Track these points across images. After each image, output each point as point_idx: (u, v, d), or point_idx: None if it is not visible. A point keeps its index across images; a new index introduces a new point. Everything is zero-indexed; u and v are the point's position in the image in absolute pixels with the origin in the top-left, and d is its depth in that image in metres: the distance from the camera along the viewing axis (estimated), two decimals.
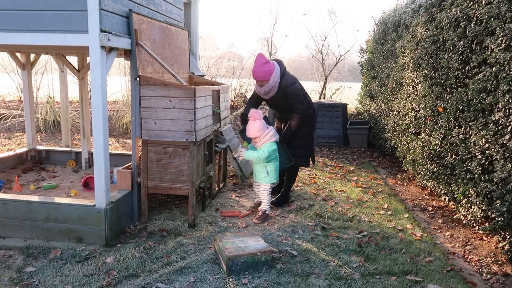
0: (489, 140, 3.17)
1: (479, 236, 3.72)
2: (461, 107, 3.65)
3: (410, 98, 5.04)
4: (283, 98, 4.17)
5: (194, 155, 3.63)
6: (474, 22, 3.43)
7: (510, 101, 2.89)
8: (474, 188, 3.48)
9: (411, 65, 4.96)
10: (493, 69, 3.07)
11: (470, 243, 3.60)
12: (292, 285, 2.80)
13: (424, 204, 4.67)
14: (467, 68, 3.57)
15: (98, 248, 3.26)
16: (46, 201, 3.43)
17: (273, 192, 4.24)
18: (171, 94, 3.54)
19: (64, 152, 5.51)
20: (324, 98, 11.59)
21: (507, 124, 2.93)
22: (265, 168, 3.99)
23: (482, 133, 3.25)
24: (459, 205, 3.88)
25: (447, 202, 4.34)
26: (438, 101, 4.14)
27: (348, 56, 11.88)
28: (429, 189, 4.98)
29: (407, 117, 5.15)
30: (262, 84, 4.11)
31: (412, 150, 4.97)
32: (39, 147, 5.54)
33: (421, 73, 4.59)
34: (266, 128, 3.95)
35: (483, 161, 3.30)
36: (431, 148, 4.33)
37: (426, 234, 3.75)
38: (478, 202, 3.44)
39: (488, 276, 3.02)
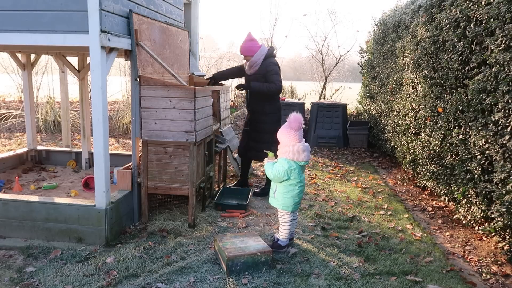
0: (489, 141, 3.17)
1: (478, 237, 3.72)
2: (460, 107, 3.65)
3: (410, 98, 5.05)
4: (263, 76, 4.47)
5: (194, 156, 3.63)
6: (473, 23, 3.43)
7: (509, 101, 2.89)
8: (474, 189, 3.48)
9: (411, 65, 4.96)
10: (493, 69, 3.08)
11: (469, 244, 3.60)
12: (292, 285, 2.80)
13: (424, 204, 4.67)
14: (466, 68, 3.57)
15: (98, 248, 3.26)
16: (46, 201, 3.43)
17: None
18: (171, 95, 3.55)
19: (64, 152, 5.52)
20: (324, 98, 11.61)
21: (507, 124, 2.94)
22: (275, 186, 3.33)
23: (481, 133, 3.26)
24: (458, 205, 3.88)
25: (447, 203, 4.34)
26: (438, 102, 4.14)
27: (348, 57, 11.91)
28: (429, 189, 4.98)
29: (407, 117, 5.16)
30: (247, 59, 4.53)
31: (412, 151, 4.97)
32: (39, 147, 5.55)
33: (421, 73, 4.59)
34: (289, 136, 3.20)
35: (483, 161, 3.30)
36: (431, 148, 4.33)
37: (426, 234, 3.75)
38: (477, 203, 3.44)
39: (488, 277, 3.03)
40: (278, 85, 4.43)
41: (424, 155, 4.53)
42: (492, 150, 3.12)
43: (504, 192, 2.97)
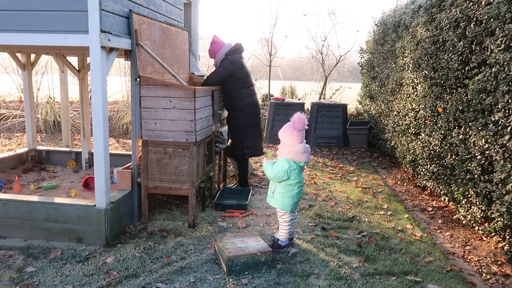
0: (489, 141, 3.17)
1: (478, 237, 3.72)
2: (460, 107, 3.65)
3: (410, 98, 5.05)
4: None
5: (194, 156, 3.63)
6: (473, 23, 3.43)
7: (509, 101, 2.89)
8: (474, 189, 3.48)
9: (411, 65, 4.96)
10: (493, 69, 3.08)
11: (469, 244, 3.60)
12: (292, 285, 2.80)
13: (424, 204, 4.67)
14: (466, 68, 3.57)
15: (98, 248, 3.26)
16: (46, 201, 3.43)
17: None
18: (171, 95, 3.55)
19: (64, 152, 5.52)
20: (324, 98, 11.61)
21: (507, 124, 2.94)
22: (274, 186, 3.32)
23: (481, 133, 3.26)
24: (458, 205, 3.88)
25: (447, 203, 4.34)
26: (438, 102, 4.14)
27: (348, 57, 11.90)
28: (429, 189, 4.98)
29: (407, 117, 5.16)
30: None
31: (412, 151, 4.97)
32: (39, 147, 5.55)
33: (421, 73, 4.59)
34: (292, 136, 3.17)
35: (483, 161, 3.30)
36: (431, 148, 4.33)
37: (426, 235, 3.75)
38: (477, 203, 3.44)
39: (488, 277, 3.03)
40: (211, 75, 4.50)
41: (424, 155, 4.53)
42: (492, 150, 3.12)
43: (504, 192, 2.97)
